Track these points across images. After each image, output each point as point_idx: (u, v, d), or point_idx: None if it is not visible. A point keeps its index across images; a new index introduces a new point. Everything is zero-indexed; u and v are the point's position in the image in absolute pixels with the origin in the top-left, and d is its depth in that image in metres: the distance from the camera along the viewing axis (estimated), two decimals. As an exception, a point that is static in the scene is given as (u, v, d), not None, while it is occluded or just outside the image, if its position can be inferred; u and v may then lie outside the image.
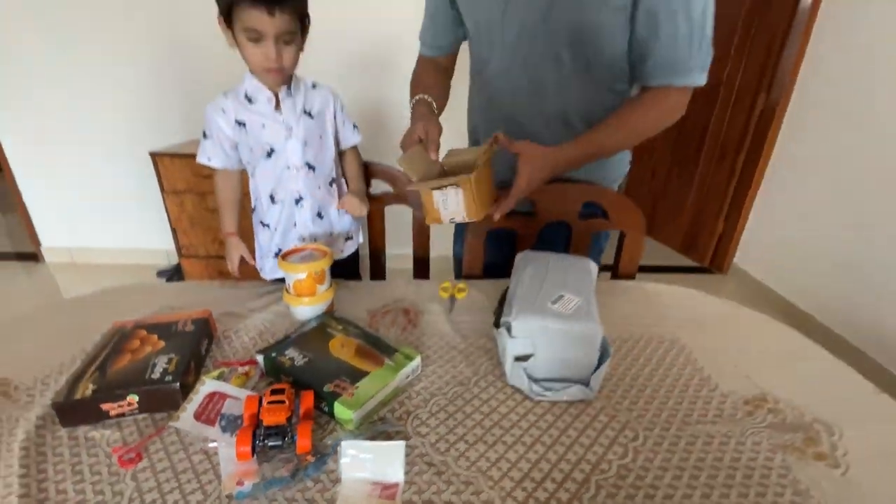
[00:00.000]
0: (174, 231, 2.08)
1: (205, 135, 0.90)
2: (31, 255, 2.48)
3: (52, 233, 2.44)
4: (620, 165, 0.97)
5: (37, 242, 2.44)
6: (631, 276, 0.97)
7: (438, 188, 0.66)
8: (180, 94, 2.18)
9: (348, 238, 1.05)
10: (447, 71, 0.98)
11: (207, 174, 1.92)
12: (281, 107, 0.87)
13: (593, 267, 0.75)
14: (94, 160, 2.27)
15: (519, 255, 0.79)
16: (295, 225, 0.96)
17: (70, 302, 0.82)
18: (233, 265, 0.95)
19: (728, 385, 0.63)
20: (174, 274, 2.34)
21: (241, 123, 0.86)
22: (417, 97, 0.84)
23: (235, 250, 0.94)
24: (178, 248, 2.12)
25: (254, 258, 0.98)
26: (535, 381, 0.59)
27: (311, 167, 0.92)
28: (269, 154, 0.89)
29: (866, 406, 0.61)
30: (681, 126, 2.62)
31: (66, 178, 2.31)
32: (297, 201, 0.93)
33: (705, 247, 2.68)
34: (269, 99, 0.85)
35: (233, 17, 0.75)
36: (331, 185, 0.98)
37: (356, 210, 0.97)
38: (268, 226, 0.96)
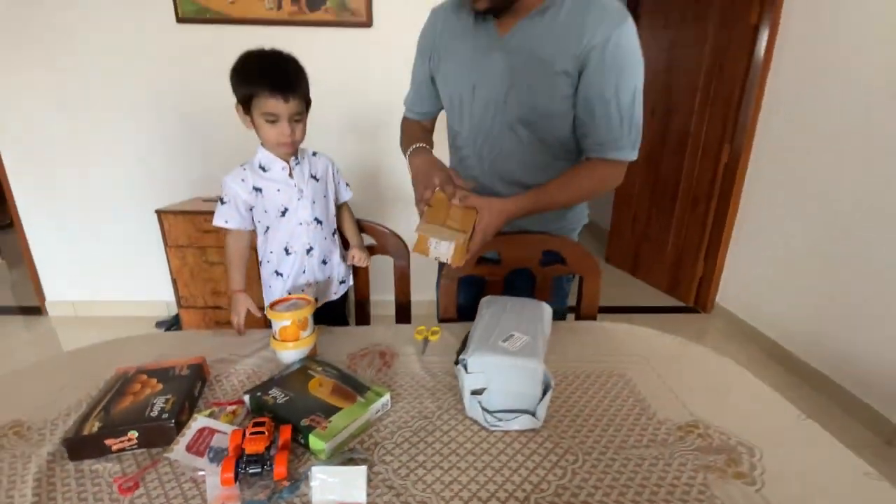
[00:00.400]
0: (175, 282, 2.17)
1: (222, 201, 1.01)
2: (35, 309, 2.56)
3: (58, 287, 2.53)
4: (579, 217, 1.09)
5: (42, 296, 2.53)
6: (592, 317, 1.05)
7: (437, 236, 0.77)
8: (184, 158, 2.35)
9: (342, 282, 1.17)
10: (430, 130, 1.13)
11: (208, 230, 2.07)
12: (293, 173, 1.01)
13: (547, 309, 0.84)
14: (103, 217, 2.41)
15: (483, 300, 0.88)
16: (304, 272, 1.07)
17: (78, 351, 0.90)
18: (239, 319, 1.00)
19: (665, 413, 0.70)
20: (173, 324, 2.41)
21: (257, 189, 0.99)
22: (415, 146, 0.96)
23: (243, 305, 1.01)
24: (178, 299, 2.21)
25: (260, 310, 1.06)
26: (490, 412, 0.66)
27: (318, 221, 1.06)
28: (284, 213, 1.02)
29: (790, 430, 0.68)
30: (656, 174, 2.81)
31: (75, 234, 2.44)
32: (309, 251, 1.06)
33: (688, 287, 2.77)
34: (283, 168, 1.00)
35: (252, 105, 0.92)
36: (333, 235, 1.12)
37: (363, 261, 1.12)
38: (282, 275, 1.07)
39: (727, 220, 2.47)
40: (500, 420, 0.66)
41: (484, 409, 0.66)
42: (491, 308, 0.82)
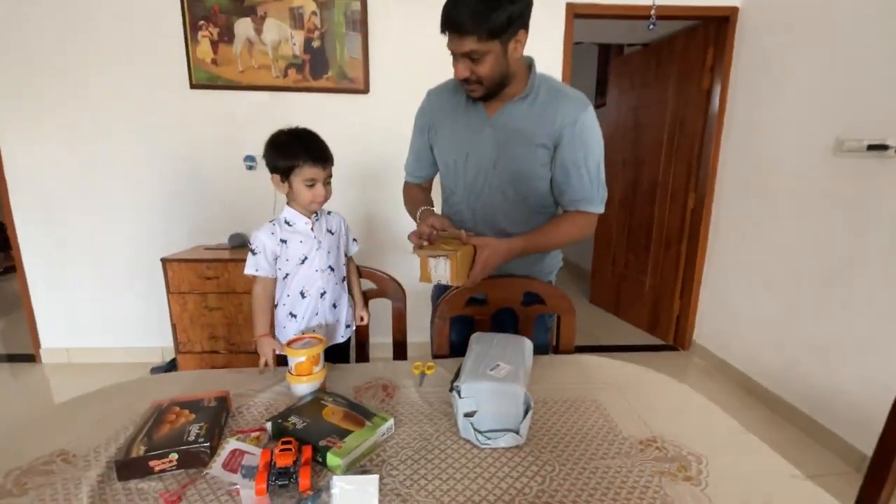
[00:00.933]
0: (174, 328, 2.25)
1: (253, 252, 1.13)
2: (29, 357, 2.58)
3: (53, 334, 2.57)
4: (555, 262, 1.25)
5: (37, 343, 2.56)
6: (569, 351, 1.18)
7: (433, 255, 0.91)
8: (186, 210, 2.48)
9: (347, 326, 1.28)
10: (428, 190, 1.30)
11: (209, 276, 2.19)
12: (314, 227, 1.16)
13: (528, 343, 0.97)
14: (103, 265, 2.50)
15: (473, 336, 1.01)
16: (317, 314, 1.19)
17: (110, 388, 0.99)
18: (267, 358, 1.10)
19: (629, 430, 0.82)
20: (168, 370, 2.45)
21: (283, 241, 1.14)
22: (422, 209, 1.12)
23: (269, 346, 1.11)
24: (177, 345, 2.27)
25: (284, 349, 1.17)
26: (480, 432, 0.78)
27: (331, 269, 1.19)
28: (303, 261, 1.15)
29: (733, 442, 0.80)
30: (631, 219, 3.04)
31: (74, 282, 2.51)
32: (322, 295, 1.18)
33: (667, 326, 2.92)
34: (306, 223, 1.15)
35: (292, 173, 1.08)
36: (342, 281, 1.25)
37: (366, 321, 1.29)
38: (296, 316, 1.18)
39: (697, 261, 2.67)
40: (489, 438, 0.77)
41: (475, 430, 0.78)
42: (480, 343, 0.95)
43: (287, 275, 1.16)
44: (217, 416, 0.81)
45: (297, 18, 2.25)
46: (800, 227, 2.02)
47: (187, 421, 0.78)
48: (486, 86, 0.99)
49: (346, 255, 1.28)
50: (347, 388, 0.98)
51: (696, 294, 2.72)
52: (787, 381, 2.10)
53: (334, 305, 1.22)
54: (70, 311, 2.55)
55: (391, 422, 0.82)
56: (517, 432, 0.77)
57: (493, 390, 0.78)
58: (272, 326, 1.20)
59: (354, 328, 1.32)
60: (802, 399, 2.02)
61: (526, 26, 0.95)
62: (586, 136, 1.03)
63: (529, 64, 1.06)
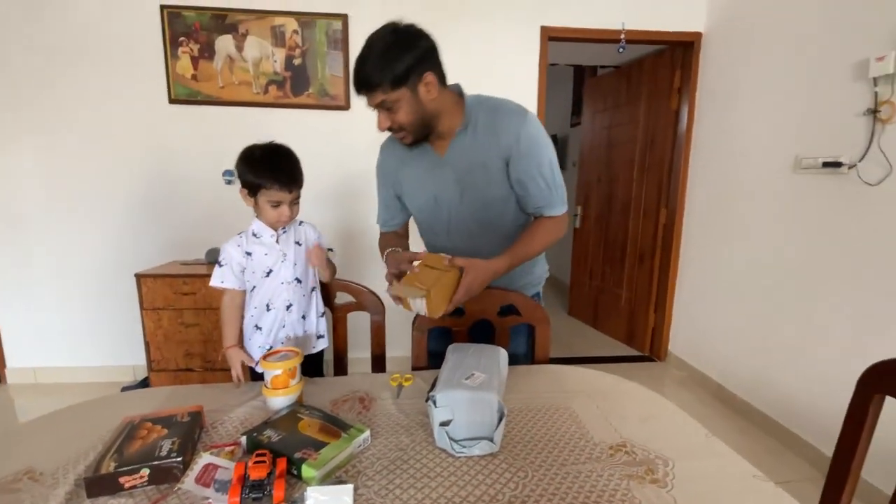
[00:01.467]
0: (147, 346, 2.19)
1: (220, 264, 1.15)
2: (-8, 378, 2.47)
3: (19, 353, 2.48)
4: (542, 273, 1.32)
5: (2, 363, 2.46)
6: (545, 360, 1.21)
7: (410, 294, 0.94)
8: (160, 225, 2.46)
9: (320, 336, 1.28)
10: (404, 236, 1.33)
11: (185, 292, 2.16)
12: (279, 240, 1.17)
13: (503, 353, 1.00)
14: (73, 283, 2.44)
15: (450, 347, 1.03)
16: (283, 326, 1.19)
17: (79, 406, 0.97)
18: (236, 370, 1.12)
19: (600, 437, 0.85)
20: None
21: (248, 253, 1.15)
22: (388, 251, 1.15)
23: (237, 357, 1.13)
24: (149, 363, 2.22)
25: (252, 360, 1.17)
26: (455, 441, 0.79)
27: (299, 281, 1.20)
28: (268, 274, 1.16)
29: (699, 446, 0.84)
30: (606, 234, 3.12)
31: (44, 300, 2.44)
32: (288, 307, 1.19)
33: (643, 337, 2.98)
34: (271, 235, 1.16)
35: (259, 192, 1.10)
36: (311, 292, 1.25)
37: (320, 257, 1.21)
38: (261, 328, 1.18)
39: (670, 274, 2.75)
40: (464, 447, 0.78)
41: (451, 439, 0.79)
42: (456, 353, 0.97)
43: (254, 287, 1.17)
44: (190, 431, 0.80)
45: (278, 37, 2.29)
46: (765, 241, 2.12)
47: (159, 436, 0.78)
48: (410, 131, 1.04)
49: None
50: (324, 402, 0.98)
51: (670, 306, 2.80)
52: (759, 390, 2.17)
53: (303, 317, 1.22)
54: (37, 330, 2.46)
55: (367, 433, 0.82)
56: (491, 440, 0.79)
57: (468, 399, 0.80)
58: (242, 339, 1.20)
59: (327, 344, 1.31)
60: (773, 407, 2.08)
61: (434, 68, 1.00)
62: (532, 146, 1.07)
63: (460, 93, 1.10)
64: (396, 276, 1.04)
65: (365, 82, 0.97)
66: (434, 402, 0.81)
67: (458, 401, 0.80)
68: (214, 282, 1.14)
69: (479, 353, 0.97)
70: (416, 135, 1.05)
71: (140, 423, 0.82)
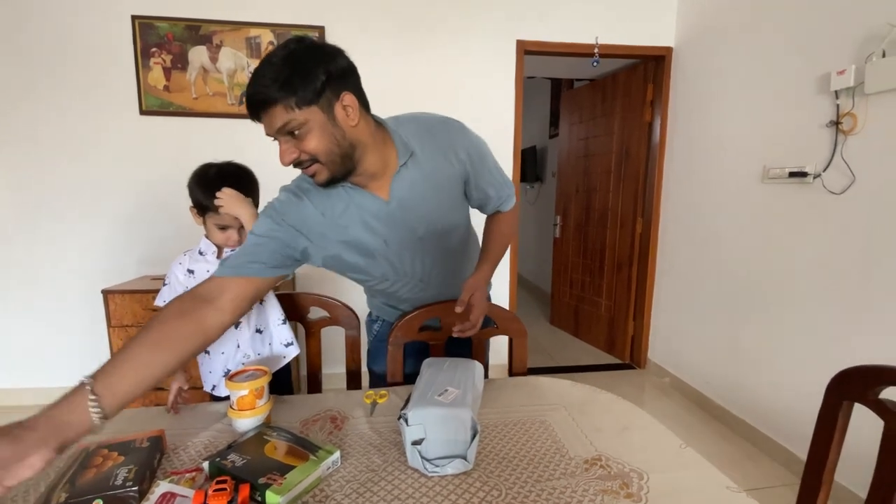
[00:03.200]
0: (115, 365, 2.10)
1: (164, 282, 1.11)
2: (-54, 403, 2.34)
3: (-24, 376, 2.35)
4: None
5: (-43, 388, 2.33)
6: (522, 372, 1.20)
7: None
8: (131, 239, 2.39)
9: (288, 344, 1.21)
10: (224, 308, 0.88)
11: (155, 308, 2.07)
12: (221, 255, 1.13)
13: (478, 366, 0.98)
14: (42, 299, 2.34)
15: (425, 361, 1.01)
16: (238, 346, 1.14)
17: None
18: (170, 396, 1.02)
19: (575, 450, 0.84)
20: (108, 411, 2.27)
21: (190, 271, 1.11)
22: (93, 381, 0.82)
23: (175, 382, 1.04)
24: (117, 383, 2.12)
25: (188, 385, 1.08)
26: (428, 460, 0.77)
27: None
28: None
29: (673, 458, 0.83)
30: (585, 244, 3.14)
31: (5, 318, 2.32)
32: (237, 325, 1.13)
33: (623, 345, 3.00)
34: (213, 252, 1.13)
35: (206, 214, 1.07)
36: (261, 304, 1.18)
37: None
38: (209, 352, 1.14)
39: (647, 282, 2.79)
40: (437, 466, 0.76)
41: (423, 458, 0.77)
42: (431, 368, 0.95)
43: None
44: (149, 458, 0.76)
45: (253, 48, 2.26)
46: (735, 249, 2.17)
47: (115, 464, 0.73)
48: (325, 163, 0.83)
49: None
50: (294, 422, 0.95)
51: (649, 314, 2.83)
52: (734, 395, 2.20)
53: (258, 331, 1.17)
54: (1, 349, 2.34)
55: (337, 454, 0.79)
56: (465, 458, 0.77)
57: (441, 416, 0.78)
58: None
59: (298, 352, 1.26)
60: (750, 412, 2.11)
61: (354, 90, 0.82)
62: (479, 155, 1.02)
63: (378, 121, 0.92)
64: None
65: (262, 99, 0.76)
66: (406, 421, 0.79)
67: (430, 418, 0.78)
68: (157, 301, 1.11)
69: (454, 367, 0.95)
70: (334, 170, 0.84)
71: (96, 450, 0.77)
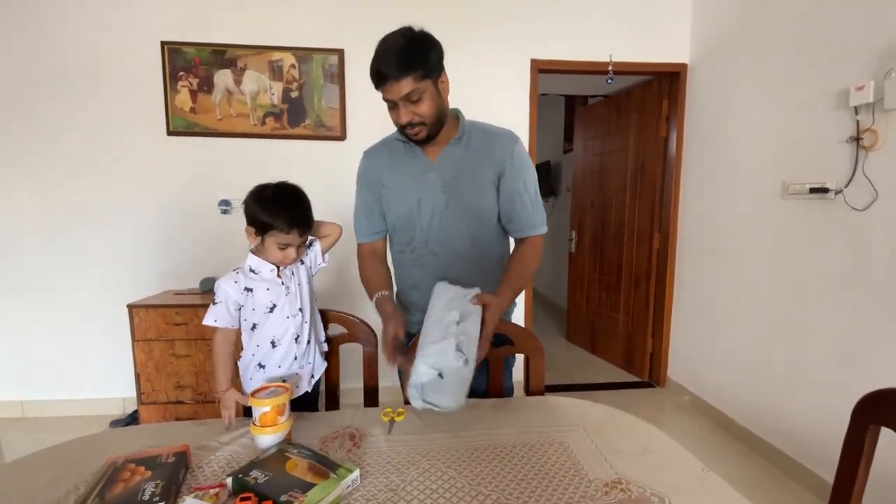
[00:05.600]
0: (138, 377, 2.16)
1: (214, 301, 1.10)
2: (-23, 413, 2.42)
3: (5, 385, 2.43)
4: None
5: (-12, 399, 2.40)
6: (539, 392, 1.19)
7: None
8: (156, 254, 2.46)
9: (313, 376, 1.23)
10: (384, 256, 1.30)
11: (178, 322, 2.14)
12: (280, 273, 1.13)
13: (478, 310, 1.03)
14: (67, 312, 2.42)
15: (436, 288, 1.09)
16: (296, 358, 1.15)
17: (61, 446, 0.94)
18: (230, 414, 1.05)
19: (595, 473, 0.83)
20: (129, 422, 2.32)
21: (248, 290, 1.11)
22: (377, 295, 1.16)
23: (232, 400, 1.07)
24: (139, 395, 2.17)
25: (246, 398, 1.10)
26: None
27: (301, 311, 1.16)
28: (272, 310, 1.12)
29: (695, 483, 0.82)
30: (601, 259, 3.13)
31: (32, 330, 2.41)
32: (296, 339, 1.15)
33: (642, 363, 2.95)
34: (271, 270, 1.12)
35: (267, 232, 1.07)
36: (312, 314, 1.21)
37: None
38: (264, 367, 1.14)
39: (666, 299, 2.75)
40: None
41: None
42: (441, 300, 1.04)
43: (254, 325, 1.13)
44: (175, 473, 0.78)
45: (276, 71, 2.35)
46: (756, 266, 2.13)
47: (142, 479, 0.75)
48: (428, 125, 1.07)
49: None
50: (314, 438, 0.96)
51: (668, 331, 2.79)
52: (758, 416, 2.14)
53: (308, 342, 1.18)
54: (24, 361, 2.42)
55: (356, 473, 0.80)
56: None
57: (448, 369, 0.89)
58: (238, 377, 1.17)
59: (321, 379, 1.28)
60: (774, 434, 2.05)
61: (444, 71, 1.07)
62: (522, 165, 1.16)
63: (457, 114, 1.18)
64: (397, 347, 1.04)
65: (394, 71, 0.98)
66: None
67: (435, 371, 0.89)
68: (207, 321, 1.11)
69: (461, 305, 1.01)
70: (432, 130, 1.08)
71: (123, 465, 0.80)
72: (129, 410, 2.41)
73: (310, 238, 1.23)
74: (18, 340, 2.41)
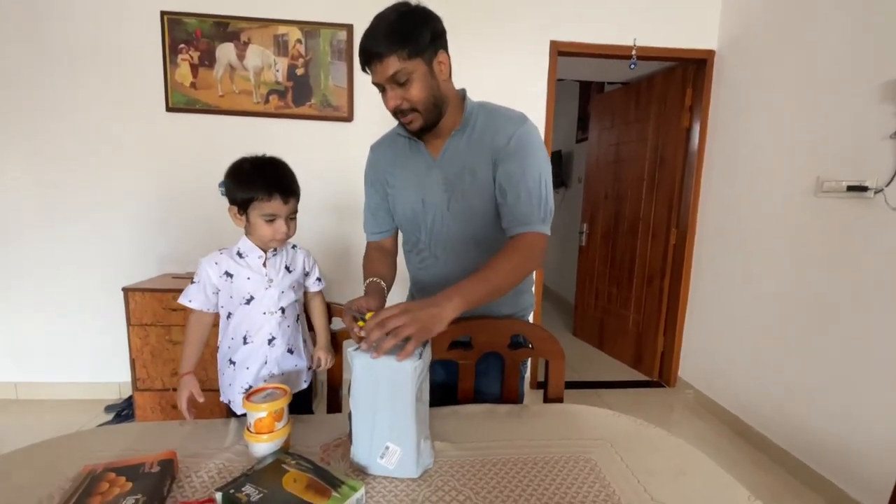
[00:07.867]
0: (133, 363, 2.09)
1: (193, 280, 1.04)
2: (-29, 394, 2.36)
3: (1, 367, 2.37)
4: (526, 304, 1.17)
5: (-19, 379, 2.35)
6: (559, 398, 1.10)
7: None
8: (154, 237, 2.37)
9: (309, 367, 1.17)
10: (392, 253, 1.20)
11: (175, 308, 2.05)
12: (267, 263, 1.06)
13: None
14: (63, 294, 2.34)
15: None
16: (266, 363, 1.07)
17: (36, 447, 0.86)
18: (181, 403, 1.01)
19: (627, 497, 0.74)
20: (124, 408, 2.26)
21: (228, 274, 1.03)
22: (369, 280, 1.06)
23: (186, 388, 1.02)
24: (134, 381, 2.11)
25: (201, 395, 1.04)
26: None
27: (283, 311, 1.08)
28: (249, 301, 1.04)
29: (741, 512, 0.73)
30: (613, 253, 3.02)
31: (27, 312, 2.34)
32: (270, 341, 1.07)
33: (651, 361, 2.87)
34: (259, 257, 1.05)
35: (250, 207, 0.99)
36: (297, 321, 1.14)
37: (327, 363, 1.15)
38: (234, 363, 1.07)
39: (680, 296, 2.65)
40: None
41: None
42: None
43: (230, 314, 1.06)
44: (159, 485, 0.70)
45: (281, 46, 2.22)
46: (782, 266, 2.03)
47: (122, 491, 0.67)
48: (421, 112, 0.94)
49: (308, 292, 1.18)
50: (314, 446, 0.87)
51: (680, 331, 2.69)
52: (774, 421, 2.05)
53: (290, 351, 1.11)
54: (19, 343, 2.36)
55: (362, 491, 0.71)
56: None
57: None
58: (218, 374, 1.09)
59: (312, 372, 1.20)
60: (790, 441, 1.97)
61: (446, 49, 0.94)
62: (521, 150, 0.96)
63: (463, 96, 1.04)
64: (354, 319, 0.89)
65: (378, 50, 0.87)
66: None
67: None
68: (182, 299, 1.04)
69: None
70: (427, 118, 0.95)
71: (102, 474, 0.71)
72: (126, 395, 2.35)
73: (301, 251, 1.16)
74: (13, 320, 2.33)
